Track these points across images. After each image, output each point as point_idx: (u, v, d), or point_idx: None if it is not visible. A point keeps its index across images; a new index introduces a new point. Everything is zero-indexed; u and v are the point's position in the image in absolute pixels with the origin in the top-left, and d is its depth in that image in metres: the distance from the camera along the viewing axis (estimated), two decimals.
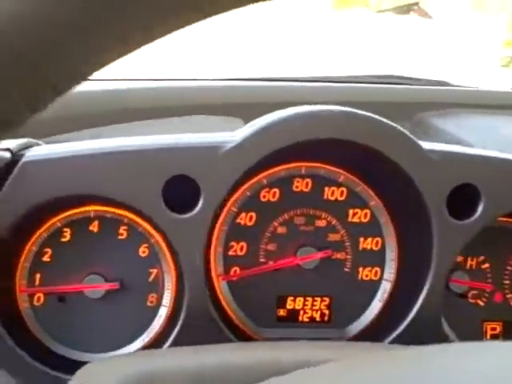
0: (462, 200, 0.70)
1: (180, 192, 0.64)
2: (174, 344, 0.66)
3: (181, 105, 0.97)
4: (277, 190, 0.74)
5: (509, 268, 0.79)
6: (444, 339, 0.72)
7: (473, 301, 0.78)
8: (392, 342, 0.70)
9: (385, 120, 0.68)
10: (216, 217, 0.71)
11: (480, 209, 0.70)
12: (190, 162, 0.64)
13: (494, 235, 0.78)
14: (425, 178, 0.68)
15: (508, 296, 0.79)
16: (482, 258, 0.78)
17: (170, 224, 0.65)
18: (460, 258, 0.78)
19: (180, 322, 0.66)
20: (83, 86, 1.10)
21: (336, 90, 1.17)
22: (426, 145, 0.69)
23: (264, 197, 0.74)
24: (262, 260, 0.74)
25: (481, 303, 0.78)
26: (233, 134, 0.66)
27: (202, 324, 0.66)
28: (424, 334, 0.70)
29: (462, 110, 1.16)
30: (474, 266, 0.78)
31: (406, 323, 0.70)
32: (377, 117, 0.68)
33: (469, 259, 0.78)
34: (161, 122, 0.95)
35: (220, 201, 0.65)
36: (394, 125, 0.68)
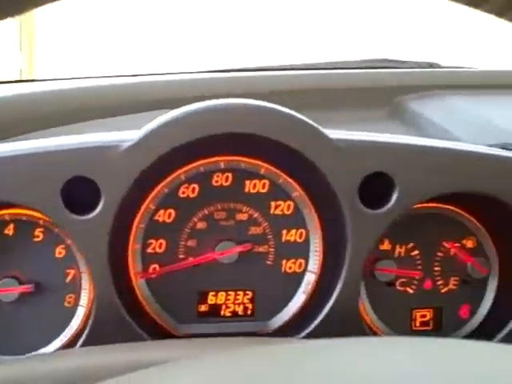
0: (377, 189, 0.69)
1: (82, 193, 0.64)
2: (86, 344, 0.66)
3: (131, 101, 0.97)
4: (196, 185, 0.74)
5: (439, 254, 0.77)
6: (363, 329, 0.71)
7: (401, 289, 0.77)
8: (310, 334, 0.70)
9: (289, 111, 0.67)
10: (133, 215, 0.71)
11: (394, 197, 0.69)
12: (88, 163, 0.64)
13: (424, 222, 0.77)
14: (334, 168, 0.67)
15: (438, 283, 0.77)
16: (411, 245, 0.77)
17: (72, 225, 0.65)
18: (388, 246, 0.77)
19: (90, 322, 0.66)
20: (43, 86, 1.09)
21: (317, 77, 1.16)
22: (335, 134, 0.68)
23: (183, 193, 0.73)
24: (182, 256, 0.73)
25: (410, 291, 0.77)
26: (133, 132, 0.66)
27: (112, 323, 0.66)
28: (342, 325, 0.69)
29: (448, 91, 1.14)
30: (402, 254, 0.77)
31: (322, 315, 0.70)
32: (280, 108, 0.67)
33: (397, 247, 0.77)
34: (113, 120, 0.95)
35: (120, 200, 0.65)
36: (299, 115, 0.67)
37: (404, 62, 1.25)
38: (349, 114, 1.10)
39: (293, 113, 0.67)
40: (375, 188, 0.69)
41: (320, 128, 0.67)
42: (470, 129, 0.98)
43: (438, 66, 1.23)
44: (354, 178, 0.67)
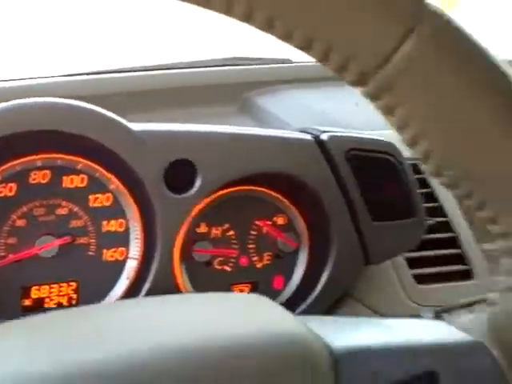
0: (183, 175, 0.75)
1: None
2: None
3: None
4: (13, 184, 0.76)
5: (253, 233, 0.84)
6: None
7: (219, 267, 0.83)
8: None
9: (89, 106, 0.71)
10: None
11: (198, 182, 0.75)
12: None
13: (238, 203, 0.84)
14: (138, 157, 0.72)
15: (253, 259, 0.84)
16: (226, 226, 0.83)
17: None
18: (205, 229, 0.83)
19: None
20: None
21: (169, 77, 1.20)
22: (137, 126, 0.73)
23: (0, 192, 0.75)
24: (2, 254, 0.75)
25: (228, 268, 0.83)
26: None
27: None
28: None
29: (290, 85, 1.21)
30: (219, 235, 0.83)
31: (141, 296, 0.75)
32: (79, 103, 0.71)
33: (213, 229, 0.83)
34: None
35: None
36: (100, 110, 0.71)
37: (257, 58, 1.32)
38: (201, 110, 1.15)
39: (93, 107, 0.71)
40: (181, 174, 0.74)
41: (122, 120, 0.72)
42: (304, 119, 1.07)
43: (289, 62, 1.31)
44: (158, 166, 0.72)
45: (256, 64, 1.29)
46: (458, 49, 0.39)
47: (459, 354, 0.41)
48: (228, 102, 1.19)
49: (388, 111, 0.40)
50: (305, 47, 0.40)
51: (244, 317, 0.40)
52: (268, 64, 1.29)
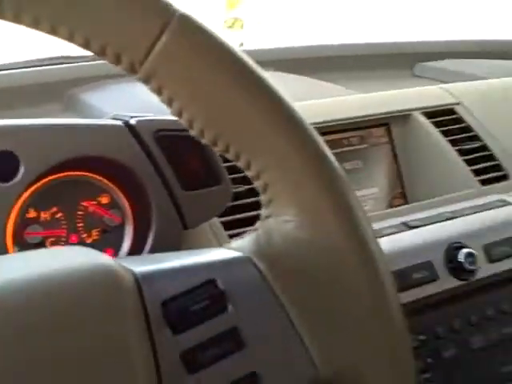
0: (8, 166, 0.83)
1: None
2: None
3: None
4: None
5: (79, 213, 0.94)
6: None
7: (50, 247, 0.92)
8: None
9: None
10: None
11: (21, 171, 0.83)
12: None
13: (64, 188, 0.92)
14: None
15: (83, 236, 0.94)
16: (54, 209, 0.92)
17: None
18: (34, 214, 0.91)
19: None
20: None
21: None
22: None
23: None
24: None
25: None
26: None
27: None
28: None
29: (123, 78, 1.29)
30: (48, 218, 0.92)
31: None
32: None
33: (42, 213, 0.91)
34: None
35: None
36: None
37: (85, 56, 1.39)
38: (27, 111, 1.21)
39: None
40: (4, 165, 0.82)
41: None
42: (129, 109, 1.16)
43: None
44: None
45: (83, 61, 1.36)
46: (203, 41, 0.51)
47: (231, 267, 0.54)
48: (53, 101, 1.26)
49: (157, 92, 0.53)
50: (84, 45, 0.51)
51: (57, 258, 0.50)
52: (96, 60, 1.37)
